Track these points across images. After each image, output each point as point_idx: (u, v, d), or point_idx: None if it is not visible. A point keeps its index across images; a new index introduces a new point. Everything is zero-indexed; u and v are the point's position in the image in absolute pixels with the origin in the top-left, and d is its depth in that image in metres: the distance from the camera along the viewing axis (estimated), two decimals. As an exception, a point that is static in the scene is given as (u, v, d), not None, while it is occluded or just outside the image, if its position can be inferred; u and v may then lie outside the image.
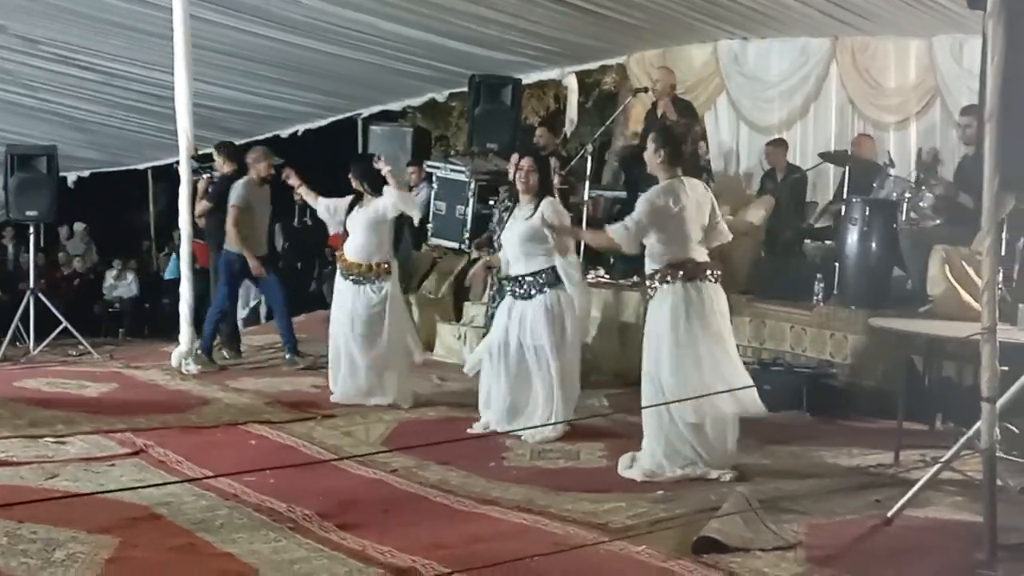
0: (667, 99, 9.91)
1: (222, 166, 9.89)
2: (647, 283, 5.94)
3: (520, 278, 6.75)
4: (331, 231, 8.49)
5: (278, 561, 4.35)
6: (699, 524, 4.70)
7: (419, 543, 4.51)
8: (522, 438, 6.49)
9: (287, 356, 9.25)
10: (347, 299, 7.68)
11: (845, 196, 8.69)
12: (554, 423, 6.55)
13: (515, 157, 7.55)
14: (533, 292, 6.69)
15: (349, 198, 7.82)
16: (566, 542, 4.59)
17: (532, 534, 4.74)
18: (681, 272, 5.72)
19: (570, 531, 4.76)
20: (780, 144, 10.19)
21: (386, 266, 7.68)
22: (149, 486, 5.25)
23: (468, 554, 4.40)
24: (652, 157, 5.87)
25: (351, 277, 7.67)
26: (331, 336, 7.79)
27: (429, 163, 11.72)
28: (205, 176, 9.95)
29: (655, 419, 5.75)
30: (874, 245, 8.05)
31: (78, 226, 17.38)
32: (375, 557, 4.38)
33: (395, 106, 14.12)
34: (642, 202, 5.83)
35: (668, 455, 5.71)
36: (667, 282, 5.74)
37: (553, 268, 6.66)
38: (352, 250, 7.70)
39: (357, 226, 7.68)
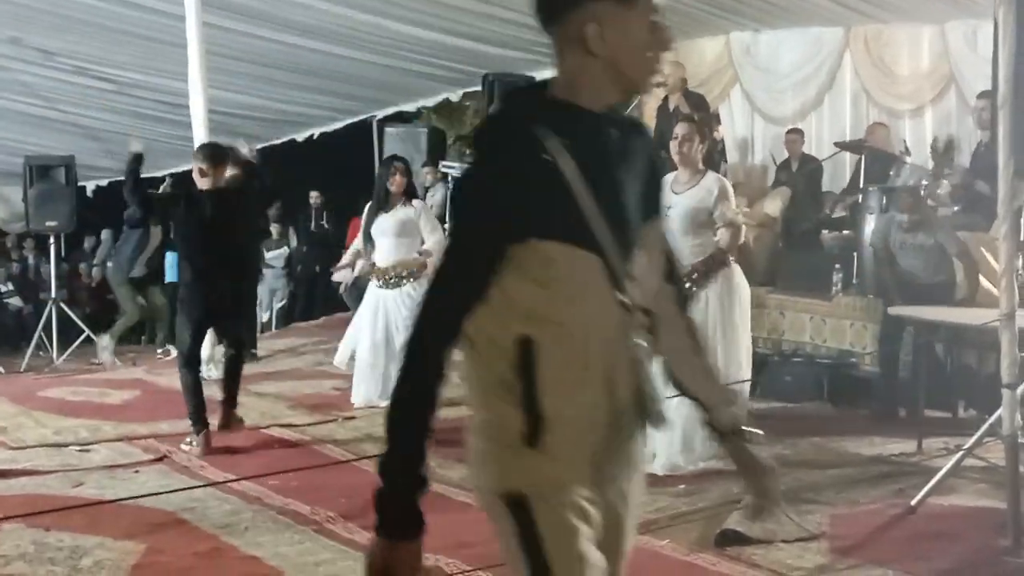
0: (679, 93, 9.89)
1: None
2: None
3: None
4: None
5: (303, 563, 4.38)
6: (721, 517, 4.70)
7: (442, 541, 4.50)
8: None
9: None
10: (382, 308, 7.50)
11: (861, 185, 8.66)
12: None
13: None
14: None
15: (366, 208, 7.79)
16: (589, 537, 4.60)
17: (555, 530, 4.74)
18: (718, 262, 5.74)
19: (593, 526, 4.76)
20: (798, 133, 10.16)
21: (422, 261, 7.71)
22: (173, 491, 5.29)
23: (491, 552, 4.32)
24: (692, 148, 5.74)
25: (390, 283, 7.52)
26: (361, 346, 7.67)
27: (444, 163, 11.74)
28: None
29: (676, 414, 5.73)
30: (892, 234, 8.02)
31: (105, 234, 17.42)
32: (399, 557, 4.39)
33: (409, 107, 14.10)
34: (727, 193, 5.78)
35: (687, 449, 5.71)
36: (712, 272, 5.71)
37: None
38: (386, 255, 7.54)
39: (388, 231, 7.54)
